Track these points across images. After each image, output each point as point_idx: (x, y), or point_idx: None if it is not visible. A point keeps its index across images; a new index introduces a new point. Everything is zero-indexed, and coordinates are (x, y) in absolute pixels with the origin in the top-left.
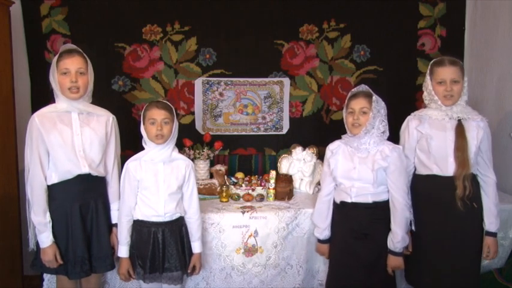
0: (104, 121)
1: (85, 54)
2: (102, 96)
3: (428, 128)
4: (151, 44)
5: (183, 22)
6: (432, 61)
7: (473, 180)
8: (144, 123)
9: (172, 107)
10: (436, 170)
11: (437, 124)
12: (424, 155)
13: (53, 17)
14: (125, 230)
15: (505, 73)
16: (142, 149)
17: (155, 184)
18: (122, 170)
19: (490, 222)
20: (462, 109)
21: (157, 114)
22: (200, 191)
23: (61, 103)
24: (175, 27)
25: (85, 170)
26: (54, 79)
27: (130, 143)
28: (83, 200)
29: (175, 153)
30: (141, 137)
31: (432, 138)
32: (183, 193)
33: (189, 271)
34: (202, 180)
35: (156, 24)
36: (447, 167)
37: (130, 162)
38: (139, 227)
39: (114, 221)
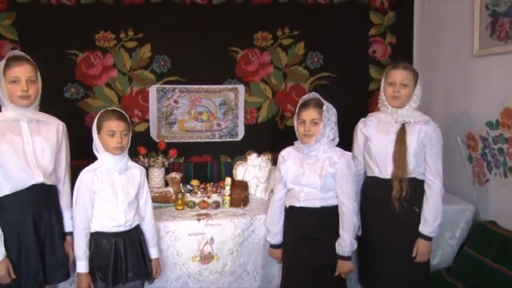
0: (54, 129)
1: (33, 62)
2: (54, 104)
3: (372, 131)
4: (105, 50)
5: (137, 29)
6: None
7: (416, 185)
8: (99, 133)
9: (127, 115)
10: (377, 172)
11: (383, 127)
12: (368, 156)
13: None
14: (84, 244)
15: (451, 79)
16: (96, 157)
17: (113, 194)
18: (72, 179)
19: (422, 224)
20: (408, 113)
21: (117, 126)
22: (155, 199)
23: (9, 111)
24: (129, 34)
25: (39, 179)
26: (1, 87)
27: (84, 152)
28: (36, 211)
29: (130, 161)
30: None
31: (372, 141)
32: (138, 200)
33: (154, 276)
34: (158, 188)
35: (109, 31)
36: (386, 169)
37: (85, 174)
38: (99, 240)
39: (67, 230)
